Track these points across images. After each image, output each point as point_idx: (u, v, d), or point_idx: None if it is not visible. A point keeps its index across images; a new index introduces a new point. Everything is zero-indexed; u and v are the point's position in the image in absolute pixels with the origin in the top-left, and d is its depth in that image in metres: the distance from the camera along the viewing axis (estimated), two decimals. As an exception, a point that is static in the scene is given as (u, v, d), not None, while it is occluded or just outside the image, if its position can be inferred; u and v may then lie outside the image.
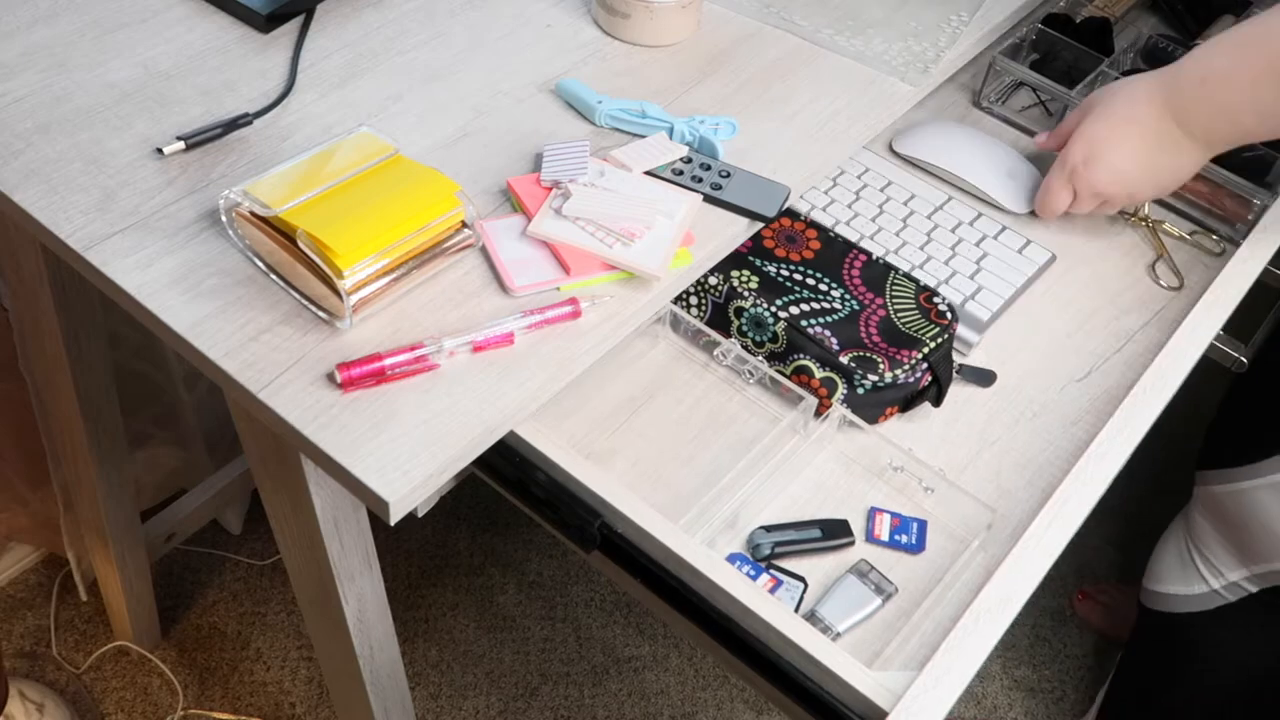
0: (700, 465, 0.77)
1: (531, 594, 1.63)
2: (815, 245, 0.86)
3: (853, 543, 0.74)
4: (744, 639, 0.64)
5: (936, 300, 0.83)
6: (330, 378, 0.67)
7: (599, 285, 0.74)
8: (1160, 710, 1.30)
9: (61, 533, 1.41)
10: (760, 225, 0.81)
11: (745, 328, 0.82)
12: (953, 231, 0.93)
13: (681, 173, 0.80)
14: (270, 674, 1.52)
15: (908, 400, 0.80)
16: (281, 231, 0.69)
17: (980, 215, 0.95)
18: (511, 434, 0.69)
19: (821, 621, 0.69)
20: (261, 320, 0.69)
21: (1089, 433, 0.75)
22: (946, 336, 0.81)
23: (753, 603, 0.63)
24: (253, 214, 0.71)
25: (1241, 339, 0.89)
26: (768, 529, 0.74)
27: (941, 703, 0.59)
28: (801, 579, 0.72)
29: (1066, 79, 1.03)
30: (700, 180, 0.80)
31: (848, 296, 0.82)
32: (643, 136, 0.83)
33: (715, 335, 0.81)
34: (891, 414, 0.81)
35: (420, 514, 0.67)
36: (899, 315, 0.81)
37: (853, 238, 0.91)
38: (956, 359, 0.84)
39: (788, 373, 0.80)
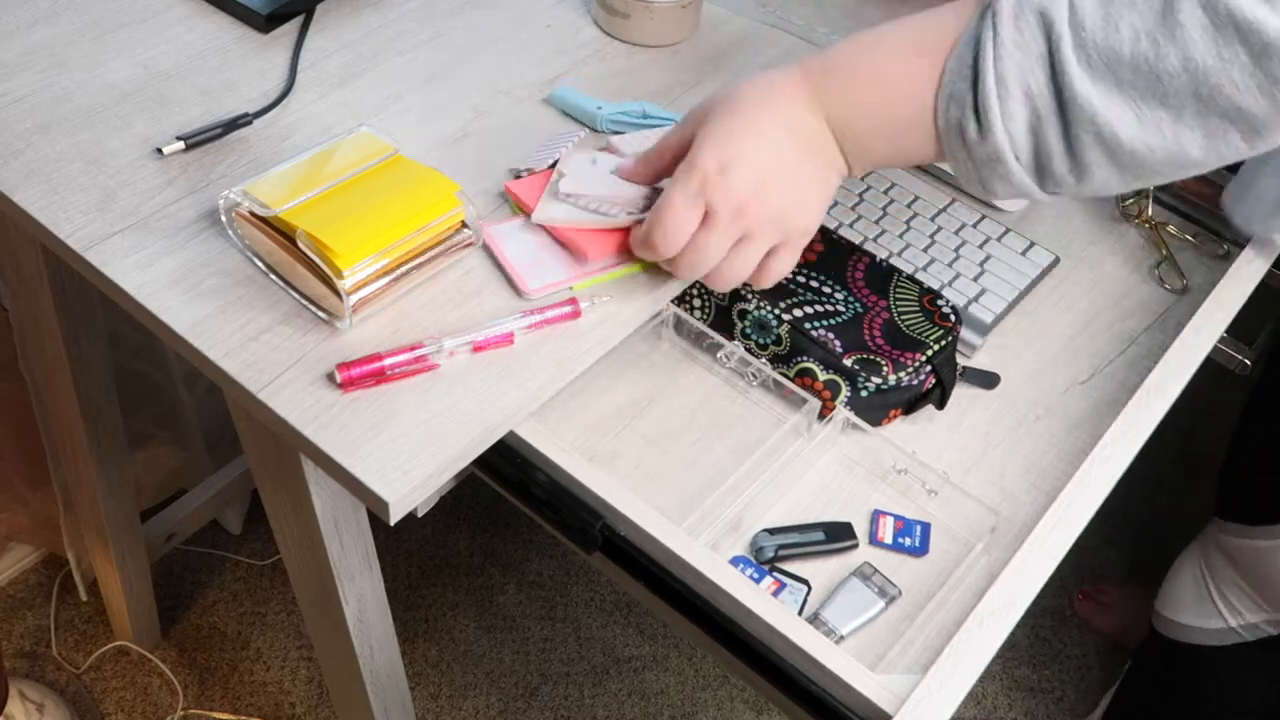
0: (703, 468, 0.77)
1: (531, 594, 1.63)
2: (818, 248, 0.86)
3: (856, 545, 0.74)
4: (747, 642, 0.64)
5: (940, 303, 0.82)
6: (330, 378, 0.67)
7: (613, 280, 0.74)
8: None
9: (61, 533, 1.41)
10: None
11: (749, 330, 0.82)
12: (956, 234, 0.93)
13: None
14: (270, 674, 1.52)
15: (911, 403, 0.80)
16: (281, 231, 0.69)
17: (984, 218, 0.94)
18: (513, 435, 0.69)
19: (825, 624, 0.69)
20: (261, 320, 0.69)
21: (1093, 435, 0.74)
22: (950, 339, 0.80)
23: (756, 606, 0.63)
24: (252, 214, 0.71)
25: (1246, 342, 0.89)
26: (771, 532, 0.73)
27: (945, 706, 0.59)
28: (805, 582, 0.71)
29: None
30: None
31: (851, 299, 0.82)
32: (645, 137, 0.83)
33: (718, 337, 0.81)
34: (895, 416, 0.80)
35: (420, 514, 0.67)
36: (902, 318, 0.81)
37: (856, 240, 0.91)
38: (960, 361, 0.84)
39: (791, 375, 0.80)
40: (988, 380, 0.84)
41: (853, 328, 0.80)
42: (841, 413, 0.78)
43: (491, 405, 0.67)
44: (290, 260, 0.69)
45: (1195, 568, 1.21)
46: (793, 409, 0.79)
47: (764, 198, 0.65)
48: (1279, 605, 1.12)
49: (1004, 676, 1.60)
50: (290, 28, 0.90)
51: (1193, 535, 1.26)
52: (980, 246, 0.92)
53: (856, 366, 0.77)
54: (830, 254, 0.85)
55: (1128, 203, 0.97)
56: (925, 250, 0.91)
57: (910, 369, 0.78)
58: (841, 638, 0.68)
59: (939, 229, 0.93)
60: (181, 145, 0.78)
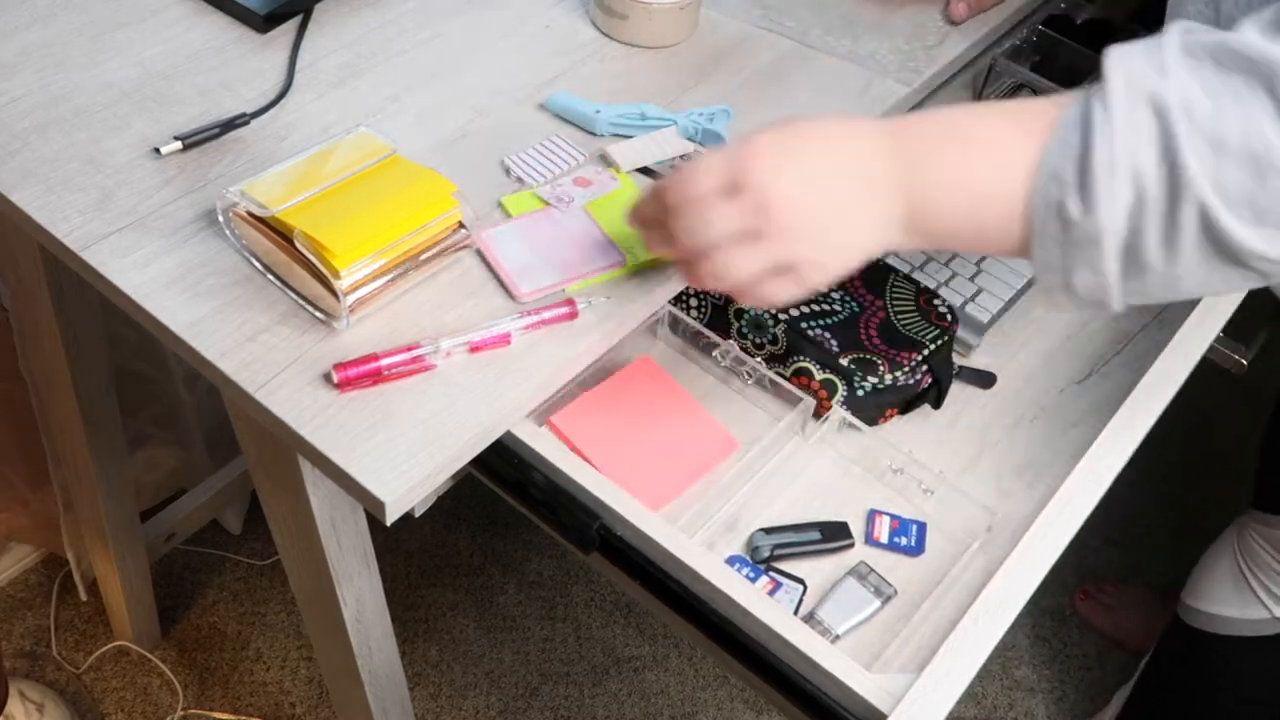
0: (699, 467, 0.77)
1: (531, 594, 1.63)
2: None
3: (852, 545, 0.74)
4: (743, 641, 0.64)
5: (936, 302, 0.83)
6: (327, 378, 0.67)
7: (609, 281, 0.74)
8: None
9: (61, 533, 1.41)
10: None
11: (745, 330, 0.82)
12: (953, 232, 0.93)
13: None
14: (270, 674, 1.52)
15: (908, 402, 0.80)
16: (279, 231, 0.69)
17: (980, 216, 0.94)
18: (510, 435, 0.69)
19: (821, 624, 0.69)
20: (259, 320, 0.69)
21: (1089, 435, 0.74)
22: (946, 338, 0.80)
23: (752, 605, 0.63)
24: (250, 214, 0.71)
25: (1241, 340, 0.89)
26: (767, 531, 0.73)
27: (941, 705, 0.59)
28: (801, 581, 0.71)
29: (1067, 81, 1.03)
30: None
31: (847, 298, 0.82)
32: (644, 138, 0.83)
33: (714, 336, 0.81)
34: (891, 416, 0.81)
35: (417, 514, 0.67)
36: (899, 317, 0.81)
37: (852, 238, 0.91)
38: (956, 361, 0.84)
39: (788, 374, 0.80)
40: (984, 380, 0.84)
41: (849, 327, 0.80)
42: (838, 412, 0.78)
43: (488, 406, 0.67)
44: (288, 260, 0.69)
45: (1232, 560, 1.21)
46: (789, 408, 0.79)
47: (797, 206, 0.59)
48: None
49: (1004, 676, 1.60)
50: (288, 28, 0.90)
51: (1194, 533, 1.26)
52: (977, 246, 0.92)
53: (853, 366, 0.78)
54: (827, 254, 0.85)
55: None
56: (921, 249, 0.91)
57: (906, 368, 0.78)
58: (837, 637, 0.69)
59: (936, 229, 0.93)
60: (179, 145, 0.78)
